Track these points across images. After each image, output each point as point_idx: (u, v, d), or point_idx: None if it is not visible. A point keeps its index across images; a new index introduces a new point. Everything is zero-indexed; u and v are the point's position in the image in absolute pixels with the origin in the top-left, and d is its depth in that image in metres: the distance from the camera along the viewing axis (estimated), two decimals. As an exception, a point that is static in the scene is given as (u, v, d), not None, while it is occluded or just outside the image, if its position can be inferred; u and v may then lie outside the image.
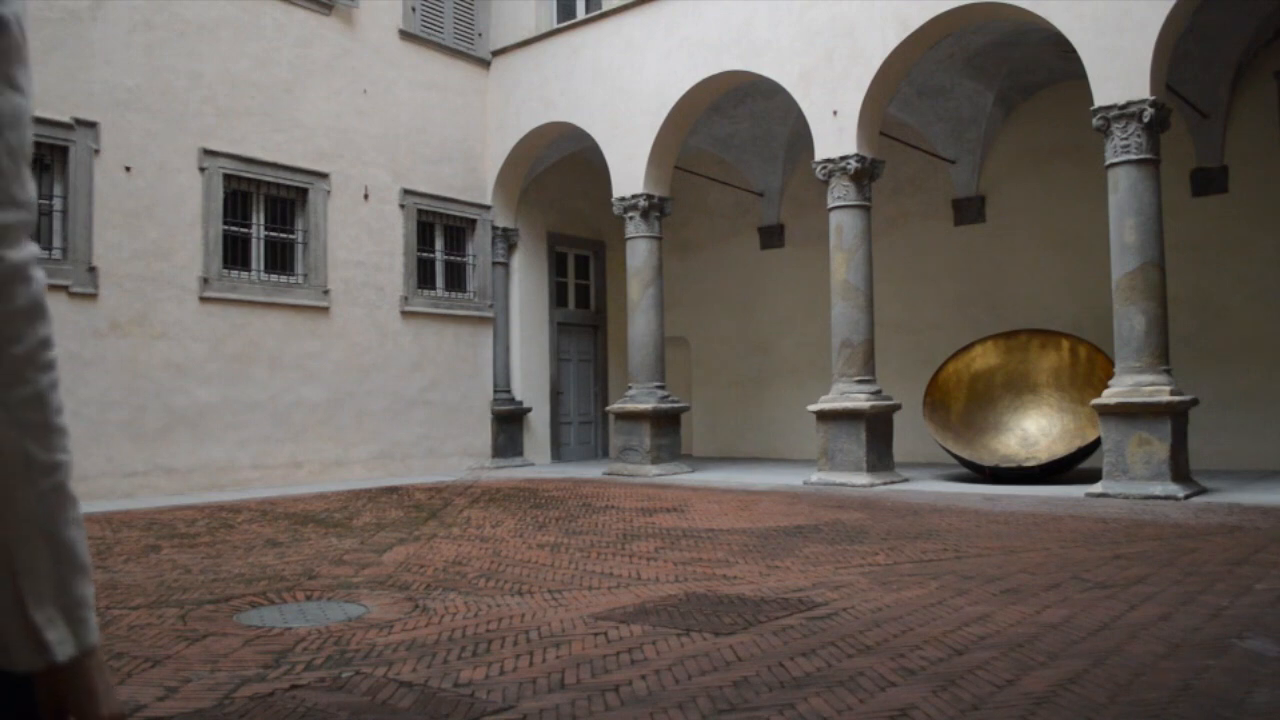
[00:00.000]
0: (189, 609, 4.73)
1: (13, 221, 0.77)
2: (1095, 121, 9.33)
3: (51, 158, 10.10)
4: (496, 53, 14.59)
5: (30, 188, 0.82)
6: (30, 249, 0.78)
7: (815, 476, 10.93)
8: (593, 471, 13.27)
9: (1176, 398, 8.73)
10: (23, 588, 0.76)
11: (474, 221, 14.39)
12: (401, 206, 13.31)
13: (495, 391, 14.42)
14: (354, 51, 12.85)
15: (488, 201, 14.52)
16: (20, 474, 0.75)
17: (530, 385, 14.96)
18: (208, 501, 9.93)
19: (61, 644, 0.79)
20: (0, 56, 0.79)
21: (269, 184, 11.91)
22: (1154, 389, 8.79)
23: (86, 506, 9.41)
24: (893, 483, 10.62)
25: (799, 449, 14.64)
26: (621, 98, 13.08)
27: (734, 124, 14.61)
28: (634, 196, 12.90)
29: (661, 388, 12.90)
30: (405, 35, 13.49)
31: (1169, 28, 9.10)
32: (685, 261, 16.65)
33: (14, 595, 0.75)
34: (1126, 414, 8.82)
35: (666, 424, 12.81)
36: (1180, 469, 8.80)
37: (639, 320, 12.93)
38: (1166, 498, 8.46)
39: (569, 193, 15.99)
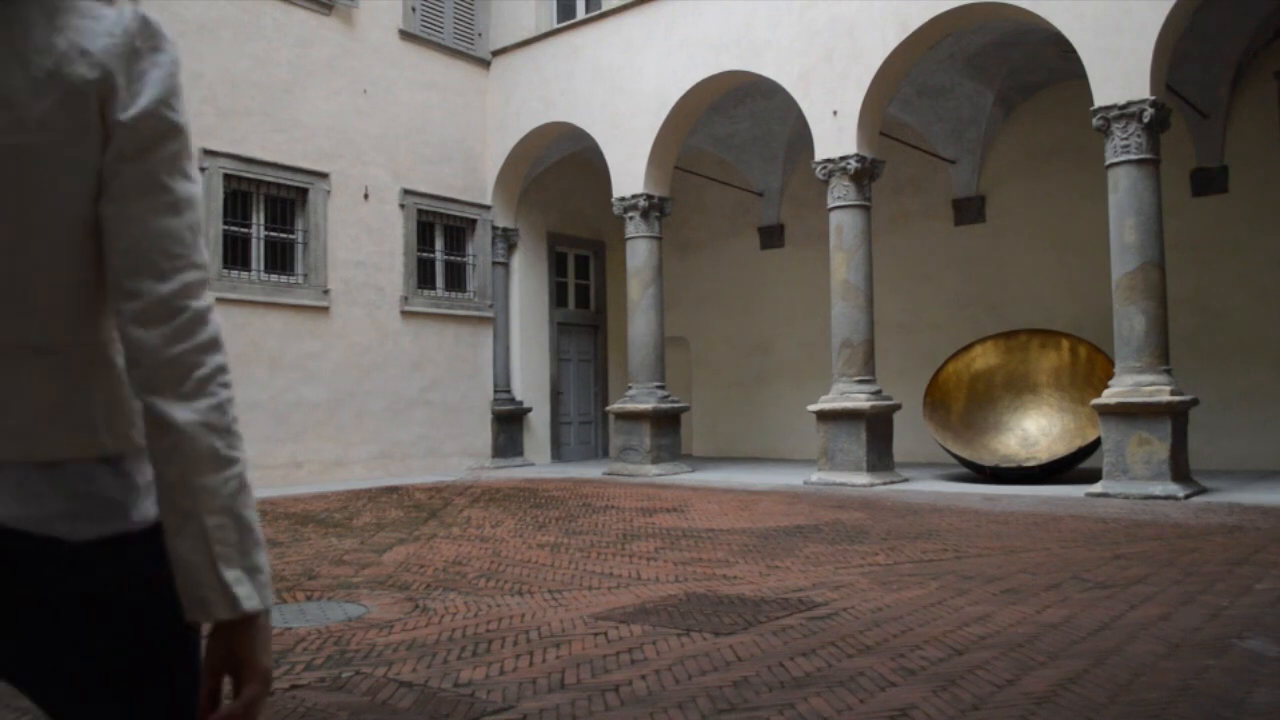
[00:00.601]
0: (189, 609, 4.72)
1: (197, 280, 1.02)
2: (1095, 121, 9.33)
3: (51, 158, 10.10)
4: (496, 53, 14.59)
5: (205, 253, 1.04)
6: (209, 299, 1.04)
7: (815, 476, 10.93)
8: (593, 471, 13.28)
9: (1176, 398, 8.73)
10: (216, 553, 0.96)
11: (474, 221, 14.39)
12: (401, 206, 13.31)
13: (495, 391, 14.42)
14: (354, 51, 12.85)
15: (488, 201, 14.52)
16: (210, 463, 0.97)
17: (530, 385, 14.96)
18: (208, 501, 9.92)
19: (248, 599, 0.97)
20: (180, 155, 1.00)
21: (269, 184, 11.91)
22: (1154, 389, 8.79)
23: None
24: (893, 483, 10.62)
25: (799, 449, 14.64)
26: (621, 98, 13.07)
27: (734, 124, 14.61)
28: (634, 196, 12.90)
29: (661, 388, 12.90)
30: (405, 35, 13.49)
31: (1169, 28, 9.10)
32: (685, 261, 16.65)
33: (209, 559, 0.95)
34: (1126, 414, 8.82)
35: (666, 424, 12.81)
36: (1180, 469, 8.80)
37: (639, 320, 12.93)
38: (1166, 498, 8.46)
39: (569, 193, 15.99)
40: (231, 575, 0.96)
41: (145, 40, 0.99)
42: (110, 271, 0.99)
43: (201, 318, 1.01)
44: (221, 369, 1.02)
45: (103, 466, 1.01)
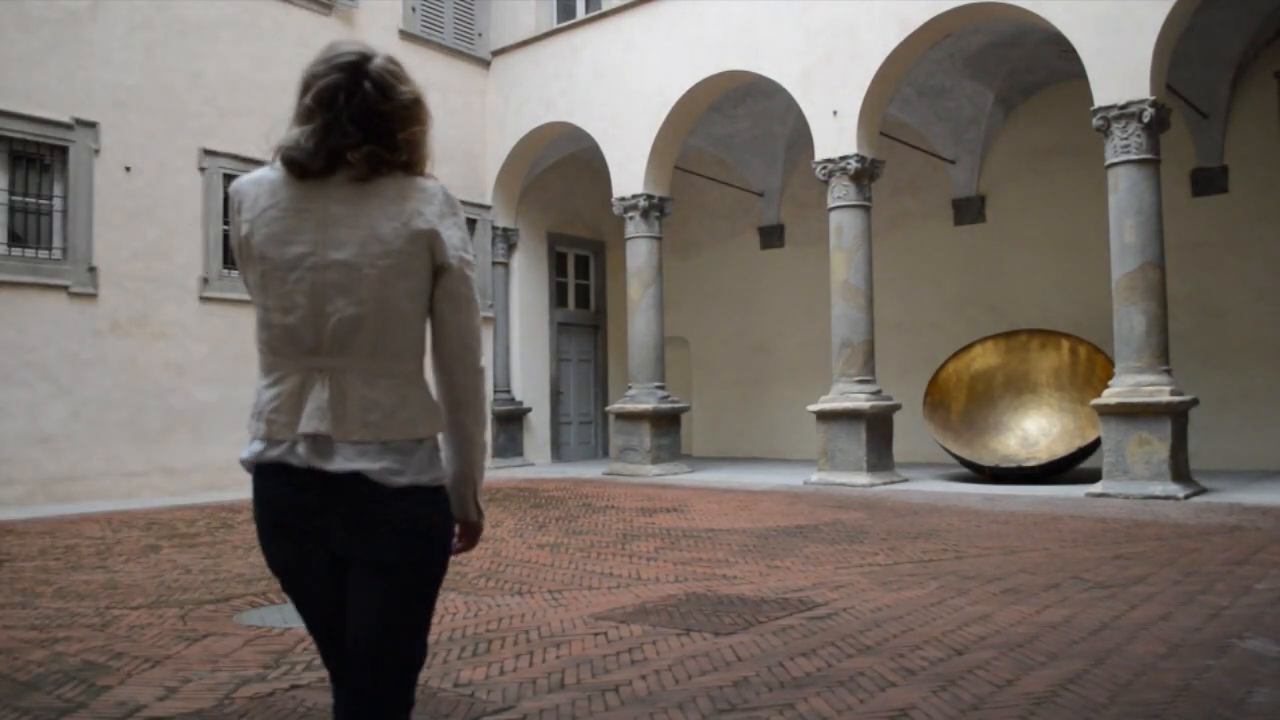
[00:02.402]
0: (189, 609, 4.73)
1: (480, 351, 1.73)
2: (1095, 121, 9.33)
3: (51, 158, 10.11)
4: (496, 53, 14.59)
5: (482, 338, 1.80)
6: (485, 358, 1.78)
7: (815, 476, 10.93)
8: (593, 471, 13.27)
9: (1176, 398, 8.73)
10: (478, 492, 1.75)
11: (474, 221, 14.39)
12: (401, 206, 13.30)
13: (495, 391, 14.42)
14: (354, 51, 12.83)
15: (488, 201, 14.52)
16: (479, 450, 1.73)
17: (530, 385, 14.96)
18: (208, 501, 9.93)
19: (482, 512, 1.79)
20: (470, 276, 1.71)
21: (269, 184, 11.90)
22: (1154, 389, 8.79)
23: (86, 506, 9.43)
24: (893, 483, 10.62)
25: (799, 449, 14.64)
26: (621, 98, 13.07)
27: (734, 124, 14.61)
28: (634, 196, 12.89)
29: (661, 388, 12.89)
30: (405, 35, 13.49)
31: (1169, 28, 9.10)
32: (685, 261, 16.65)
33: (474, 495, 1.74)
34: (1126, 414, 8.82)
35: (666, 424, 12.81)
36: (1180, 469, 8.80)
37: (639, 320, 12.93)
38: (1166, 498, 8.46)
39: (569, 193, 15.99)
40: (481, 501, 1.78)
41: (448, 207, 1.67)
42: (440, 344, 1.69)
43: (483, 372, 1.74)
44: (484, 399, 1.77)
45: (414, 444, 1.65)
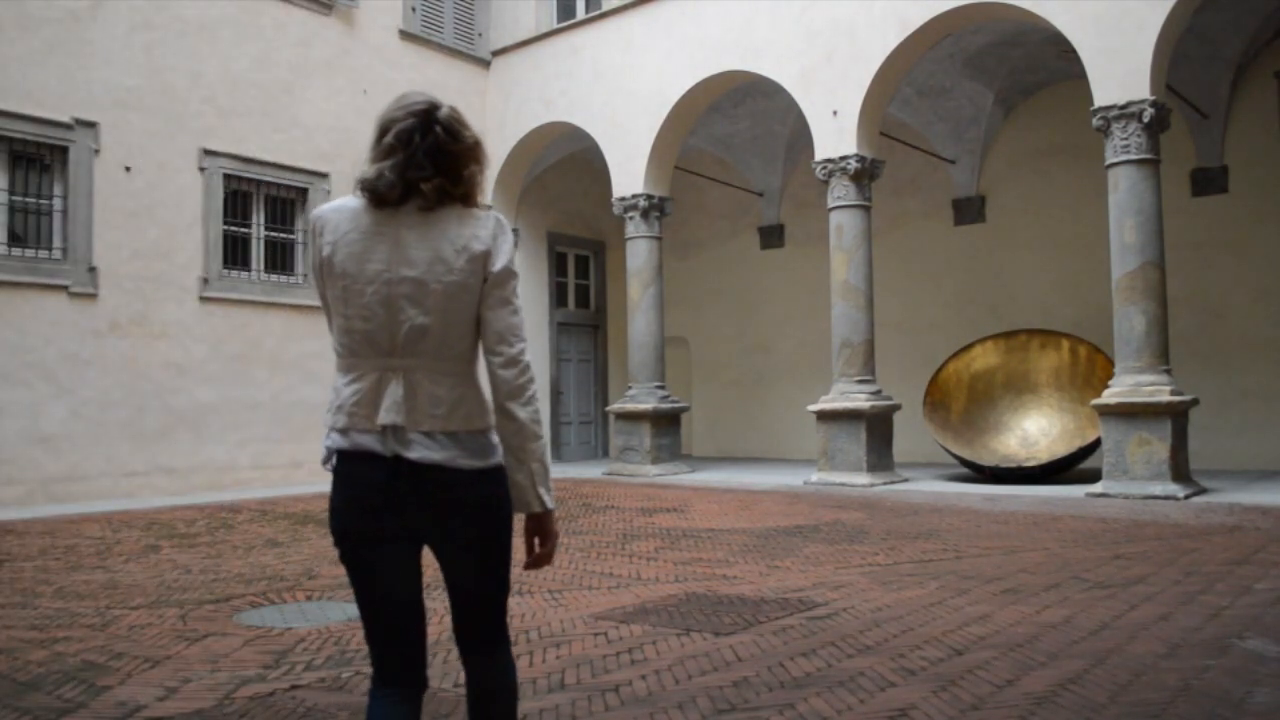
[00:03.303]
0: (189, 609, 4.73)
1: (524, 346, 1.97)
2: (1095, 121, 9.33)
3: (51, 158, 10.11)
4: (496, 53, 14.59)
5: (525, 330, 2.02)
6: (529, 353, 1.99)
7: (815, 476, 10.93)
8: (593, 471, 13.27)
9: (1176, 398, 8.73)
10: (535, 481, 1.93)
11: (474, 221, 14.37)
12: (401, 206, 13.30)
13: (495, 391, 14.39)
14: (354, 51, 12.85)
15: (488, 201, 14.50)
16: (533, 437, 1.93)
17: (530, 385, 14.94)
18: (208, 501, 9.93)
19: (550, 503, 1.96)
20: (516, 284, 1.97)
21: (269, 184, 11.91)
22: (1154, 389, 8.79)
23: (86, 507, 9.43)
24: (893, 483, 10.62)
25: (799, 449, 14.64)
26: (621, 98, 13.07)
27: (734, 124, 14.60)
28: (634, 196, 12.89)
29: (661, 388, 12.89)
30: (405, 35, 13.49)
31: (1169, 28, 9.10)
32: (685, 261, 16.64)
33: (532, 483, 1.93)
34: (1126, 414, 8.82)
35: (666, 424, 12.81)
36: (1180, 469, 8.80)
37: (639, 320, 12.93)
38: (1166, 498, 8.46)
39: (569, 193, 15.99)
40: (542, 491, 1.95)
41: (500, 231, 1.95)
42: (486, 340, 1.95)
43: (528, 364, 1.96)
44: (535, 389, 1.97)
45: (475, 434, 1.92)
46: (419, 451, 1.86)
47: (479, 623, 1.99)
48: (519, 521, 1.99)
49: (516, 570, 2.06)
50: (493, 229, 1.95)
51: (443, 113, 1.94)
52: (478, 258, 1.90)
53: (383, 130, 1.92)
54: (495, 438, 1.95)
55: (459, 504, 1.89)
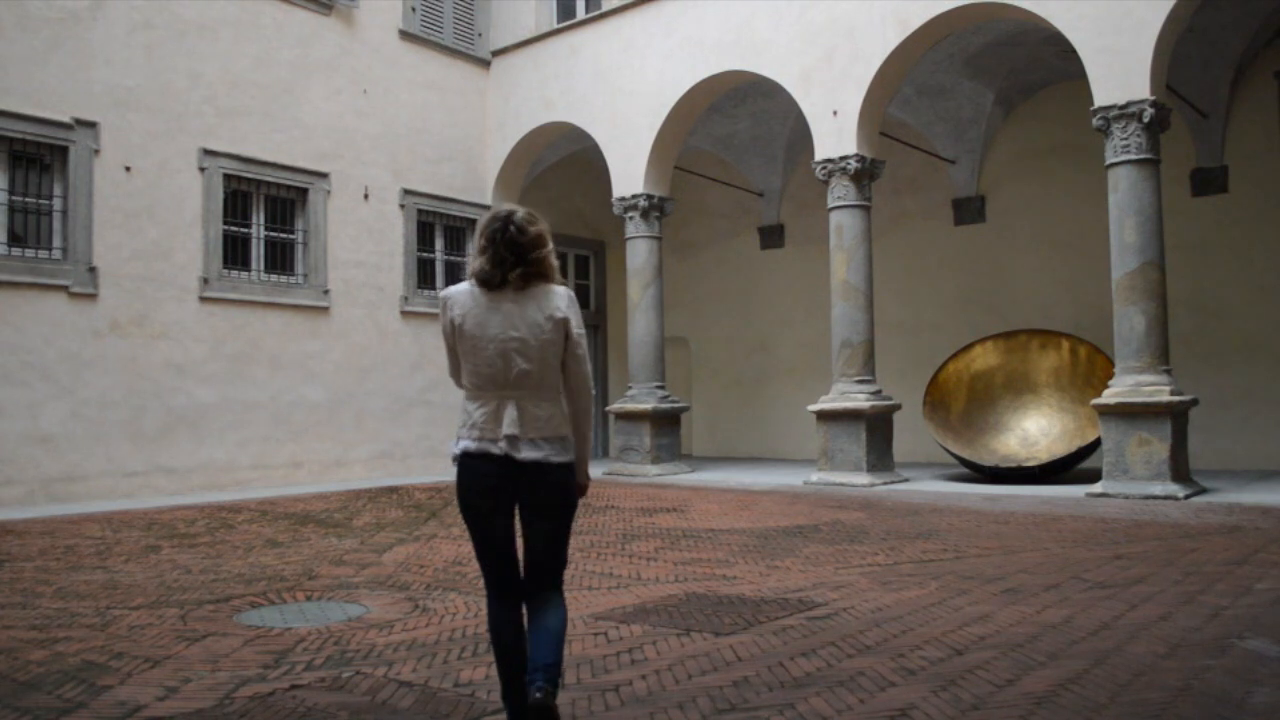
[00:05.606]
0: (189, 609, 4.73)
1: (589, 373, 2.89)
2: (1095, 121, 9.33)
3: (51, 158, 10.11)
4: (496, 53, 14.59)
5: (590, 365, 3.00)
6: (591, 373, 2.97)
7: (815, 476, 10.93)
8: (593, 471, 13.16)
9: (1176, 398, 8.73)
10: (586, 464, 2.92)
11: (474, 221, 14.37)
12: (401, 206, 13.32)
13: (495, 391, 14.38)
14: (354, 51, 12.85)
15: (488, 201, 14.51)
16: (586, 438, 2.90)
17: (530, 385, 14.92)
18: (208, 501, 9.93)
19: (589, 475, 2.97)
20: (584, 341, 2.87)
21: (269, 184, 11.91)
22: (1154, 389, 8.79)
23: (86, 507, 9.43)
24: (893, 483, 10.62)
25: (799, 449, 14.64)
26: (621, 98, 13.07)
27: (734, 124, 14.60)
28: (634, 196, 12.90)
29: (661, 388, 12.89)
30: (405, 35, 13.49)
31: (1169, 28, 9.10)
32: (685, 261, 16.65)
33: (585, 466, 2.92)
34: (1126, 414, 8.82)
35: (666, 424, 12.81)
36: (1180, 469, 8.80)
37: (639, 320, 12.93)
38: (1166, 498, 8.47)
39: (569, 193, 15.99)
40: (587, 467, 2.93)
41: (571, 303, 2.80)
42: (569, 382, 2.84)
43: (593, 396, 2.87)
44: (592, 412, 2.92)
45: (559, 439, 2.79)
46: (526, 452, 2.73)
47: (548, 569, 2.82)
48: None
49: None
50: (567, 302, 2.79)
51: (516, 216, 2.77)
52: (560, 324, 2.76)
53: (480, 234, 2.79)
54: (571, 441, 2.83)
55: (548, 484, 2.77)
